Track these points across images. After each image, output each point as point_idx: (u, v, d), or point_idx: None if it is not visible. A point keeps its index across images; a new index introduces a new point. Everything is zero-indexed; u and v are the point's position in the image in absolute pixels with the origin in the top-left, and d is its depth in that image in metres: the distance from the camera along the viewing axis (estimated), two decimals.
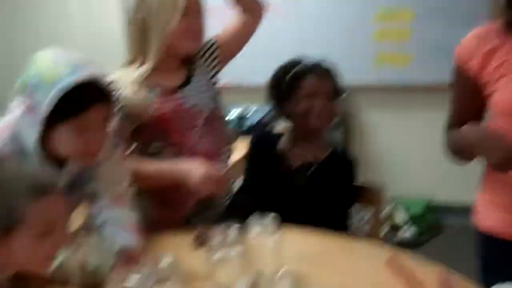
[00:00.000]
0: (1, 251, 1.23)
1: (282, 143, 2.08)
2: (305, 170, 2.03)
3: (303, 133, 2.05)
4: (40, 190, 1.24)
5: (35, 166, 1.35)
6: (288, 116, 2.06)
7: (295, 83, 2.00)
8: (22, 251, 1.25)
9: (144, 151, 1.91)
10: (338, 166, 2.04)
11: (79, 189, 1.75)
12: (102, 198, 1.75)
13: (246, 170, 2.15)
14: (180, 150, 1.89)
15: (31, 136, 1.49)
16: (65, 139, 1.51)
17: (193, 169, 1.79)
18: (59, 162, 1.59)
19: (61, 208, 1.31)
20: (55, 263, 1.52)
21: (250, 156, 2.14)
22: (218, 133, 1.98)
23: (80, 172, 1.68)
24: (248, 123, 3.58)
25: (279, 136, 2.10)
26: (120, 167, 1.78)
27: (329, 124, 2.05)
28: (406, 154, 4.15)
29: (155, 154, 1.90)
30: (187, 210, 1.96)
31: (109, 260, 1.52)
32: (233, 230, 1.54)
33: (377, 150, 4.21)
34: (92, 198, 1.77)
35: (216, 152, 1.96)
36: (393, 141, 4.19)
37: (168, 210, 1.96)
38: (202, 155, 1.87)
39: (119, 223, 1.70)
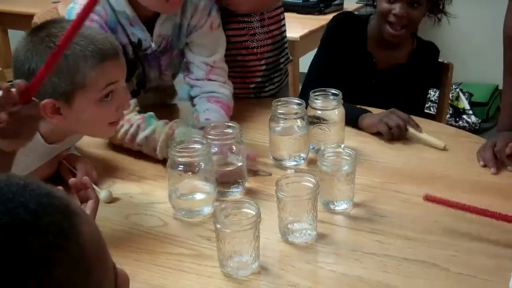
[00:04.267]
0: (65, 119, 1.25)
1: (369, 46, 1.90)
2: (391, 73, 1.91)
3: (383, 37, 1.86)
4: (103, 55, 1.23)
5: (99, 31, 1.34)
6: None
7: None
8: (85, 116, 1.26)
9: None
10: (423, 61, 1.93)
11: (169, 54, 1.73)
12: (195, 70, 1.73)
13: (320, 53, 1.96)
14: None
15: None
16: None
17: None
18: (149, 22, 1.59)
19: (122, 73, 1.31)
20: (140, 136, 1.53)
21: (328, 40, 1.94)
22: None
23: (170, 39, 1.67)
24: None
25: (366, 23, 1.92)
26: (213, 36, 1.73)
27: (406, 34, 1.85)
28: (475, 38, 3.98)
29: None
30: (256, 80, 1.96)
31: (195, 132, 1.51)
32: (297, 102, 1.52)
33: (447, 32, 4.03)
34: (188, 66, 1.76)
35: None
36: (463, 24, 4.00)
37: (239, 81, 1.95)
38: None
39: (209, 96, 1.70)
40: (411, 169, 1.50)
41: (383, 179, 1.45)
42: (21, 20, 3.28)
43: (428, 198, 1.22)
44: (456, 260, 1.15)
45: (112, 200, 1.39)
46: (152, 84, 1.77)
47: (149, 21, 1.61)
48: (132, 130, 1.53)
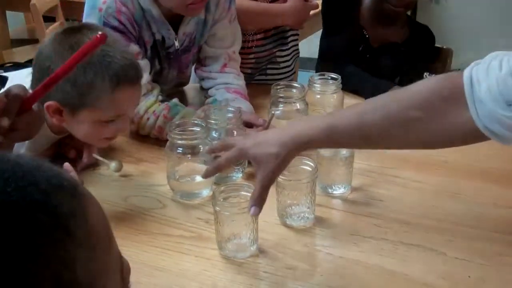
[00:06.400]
0: (64, 122, 1.26)
1: (363, 20, 1.94)
2: (385, 50, 1.94)
3: (382, 13, 1.90)
4: (123, 80, 1.21)
5: (126, 51, 1.29)
6: None
7: None
8: (83, 128, 1.27)
9: None
10: (419, 44, 1.96)
11: (190, 52, 1.69)
12: (211, 63, 1.72)
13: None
14: None
15: None
16: None
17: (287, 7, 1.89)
18: (174, 21, 1.56)
19: (135, 101, 1.31)
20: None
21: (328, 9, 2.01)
22: None
23: (194, 36, 1.65)
24: None
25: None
26: (232, 28, 1.71)
27: (408, 9, 1.91)
28: (473, 25, 3.97)
29: None
30: (246, 72, 1.94)
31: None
32: (296, 86, 1.52)
33: (443, 19, 4.03)
34: (202, 61, 1.73)
35: None
36: (463, 7, 3.99)
37: None
38: None
39: (227, 87, 1.67)
40: (409, 154, 1.50)
41: (381, 164, 1.45)
42: (19, 2, 3.26)
43: None
44: (452, 245, 1.16)
45: (121, 169, 1.42)
46: (170, 84, 1.74)
47: (174, 19, 1.57)
48: (159, 121, 1.52)
